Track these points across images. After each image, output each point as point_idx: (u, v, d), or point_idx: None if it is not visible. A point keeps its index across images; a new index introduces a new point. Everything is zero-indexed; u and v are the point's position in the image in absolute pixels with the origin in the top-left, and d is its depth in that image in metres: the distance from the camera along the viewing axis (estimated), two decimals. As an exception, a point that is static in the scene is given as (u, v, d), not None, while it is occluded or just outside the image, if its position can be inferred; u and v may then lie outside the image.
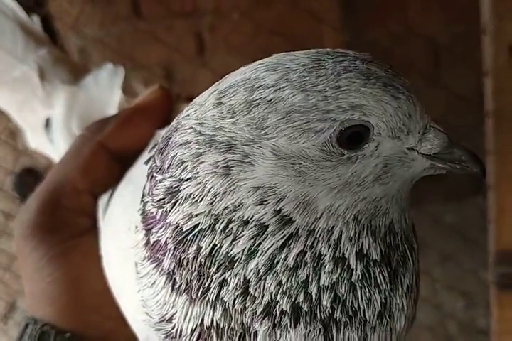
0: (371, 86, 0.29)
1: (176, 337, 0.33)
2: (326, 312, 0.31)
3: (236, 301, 0.31)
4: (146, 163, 0.35)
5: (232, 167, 0.30)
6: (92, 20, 1.37)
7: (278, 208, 0.30)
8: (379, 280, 0.32)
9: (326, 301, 0.31)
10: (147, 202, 0.33)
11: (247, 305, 0.31)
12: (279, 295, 0.31)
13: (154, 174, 0.33)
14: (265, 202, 0.30)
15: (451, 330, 1.40)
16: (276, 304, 0.31)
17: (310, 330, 0.31)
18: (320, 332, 0.31)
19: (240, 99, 0.30)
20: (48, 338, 0.40)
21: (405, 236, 0.33)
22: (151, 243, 0.33)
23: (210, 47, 1.40)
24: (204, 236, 0.31)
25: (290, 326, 0.31)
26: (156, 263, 0.33)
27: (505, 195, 0.99)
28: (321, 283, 0.31)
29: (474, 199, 1.61)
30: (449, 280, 1.44)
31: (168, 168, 0.32)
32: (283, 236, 0.31)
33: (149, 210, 0.33)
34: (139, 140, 0.44)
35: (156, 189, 0.33)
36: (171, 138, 0.32)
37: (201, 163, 0.31)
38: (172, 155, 0.32)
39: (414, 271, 0.34)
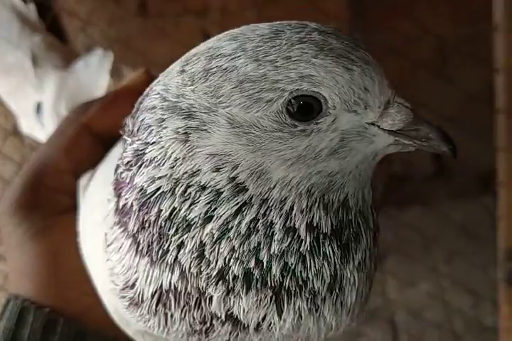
0: (323, 57, 0.29)
1: (138, 302, 0.34)
2: (276, 279, 0.32)
3: (192, 264, 0.32)
4: (122, 129, 0.36)
5: (190, 134, 0.31)
6: (100, 18, 1.38)
7: (232, 176, 0.31)
8: (328, 253, 0.32)
9: (275, 269, 0.32)
10: (118, 165, 0.34)
11: (202, 269, 0.32)
12: (232, 260, 0.31)
13: (126, 137, 0.34)
14: (221, 169, 0.31)
15: (457, 327, 1.41)
16: (229, 269, 0.32)
17: (261, 298, 0.32)
18: (271, 300, 0.32)
19: (200, 67, 0.31)
20: (28, 313, 0.41)
21: (360, 212, 0.33)
22: (120, 207, 0.34)
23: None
24: (165, 199, 0.32)
25: (242, 292, 0.32)
26: (123, 228, 0.34)
27: (515, 192, 1.00)
28: (272, 251, 0.32)
29: (481, 198, 1.61)
30: (456, 277, 1.44)
31: (137, 131, 0.33)
32: (237, 203, 0.31)
33: (120, 175, 0.34)
34: (122, 122, 0.44)
35: (126, 151, 0.34)
36: (142, 102, 0.33)
37: (164, 128, 0.31)
38: (141, 119, 0.33)
39: (367, 248, 0.34)
